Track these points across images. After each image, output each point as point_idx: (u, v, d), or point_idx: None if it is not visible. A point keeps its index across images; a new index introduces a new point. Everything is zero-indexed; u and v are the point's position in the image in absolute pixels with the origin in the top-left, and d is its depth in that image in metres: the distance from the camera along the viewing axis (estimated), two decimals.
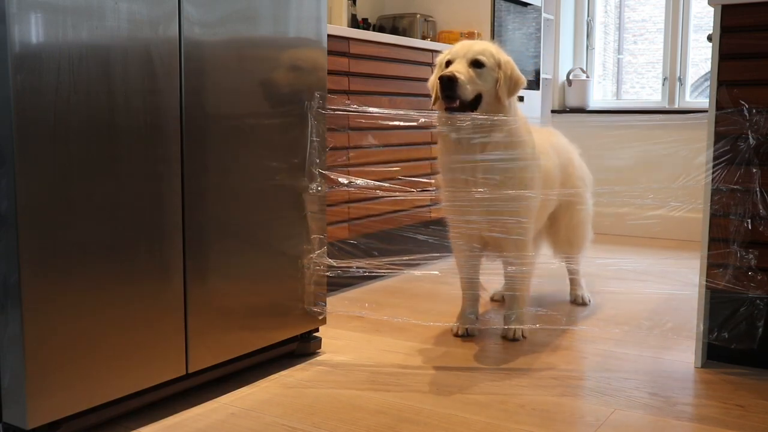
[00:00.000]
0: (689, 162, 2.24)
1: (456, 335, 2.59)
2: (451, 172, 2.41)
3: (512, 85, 2.41)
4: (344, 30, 3.26)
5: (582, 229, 2.92)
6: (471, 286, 2.61)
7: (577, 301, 3.02)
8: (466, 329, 2.59)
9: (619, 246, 3.07)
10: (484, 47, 2.38)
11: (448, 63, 2.40)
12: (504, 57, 2.41)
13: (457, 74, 2.29)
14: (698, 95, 4.96)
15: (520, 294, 2.53)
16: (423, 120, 2.46)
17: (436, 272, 2.51)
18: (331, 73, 2.69)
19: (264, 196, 2.16)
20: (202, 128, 1.95)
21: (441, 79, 2.29)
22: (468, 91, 2.31)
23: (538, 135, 2.61)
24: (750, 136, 2.12)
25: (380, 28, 4.55)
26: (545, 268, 3.07)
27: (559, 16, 5.16)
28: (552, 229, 2.86)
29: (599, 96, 5.38)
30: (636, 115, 4.90)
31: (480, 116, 2.31)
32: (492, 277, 2.75)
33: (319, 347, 2.45)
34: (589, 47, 5.35)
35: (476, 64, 2.35)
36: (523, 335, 2.54)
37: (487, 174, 2.35)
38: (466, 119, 2.30)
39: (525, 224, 2.42)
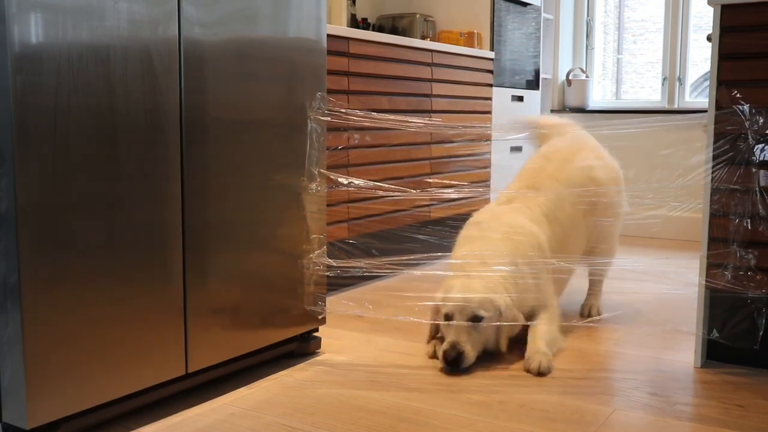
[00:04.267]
0: (689, 162, 2.24)
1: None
2: None
3: (514, 329, 2.35)
4: (344, 30, 3.26)
5: (608, 241, 2.81)
6: None
7: (591, 313, 2.83)
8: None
9: (619, 246, 3.08)
10: (481, 300, 2.27)
11: (447, 316, 2.28)
12: (503, 300, 2.30)
13: (462, 353, 2.22)
14: (698, 95, 4.96)
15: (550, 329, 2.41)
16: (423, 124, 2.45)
17: (450, 273, 2.45)
18: (330, 73, 2.69)
19: (264, 196, 2.16)
20: (202, 128, 1.95)
21: (446, 358, 2.23)
22: (471, 359, 2.25)
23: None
24: (749, 136, 2.12)
25: (380, 28, 4.55)
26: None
27: (559, 16, 5.16)
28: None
29: (599, 96, 5.38)
30: (636, 116, 4.90)
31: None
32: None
33: (319, 347, 2.45)
34: (589, 47, 5.35)
35: (475, 318, 2.26)
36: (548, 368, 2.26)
37: None
38: None
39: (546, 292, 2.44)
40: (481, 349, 2.30)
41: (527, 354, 2.30)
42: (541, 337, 2.35)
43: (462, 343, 2.25)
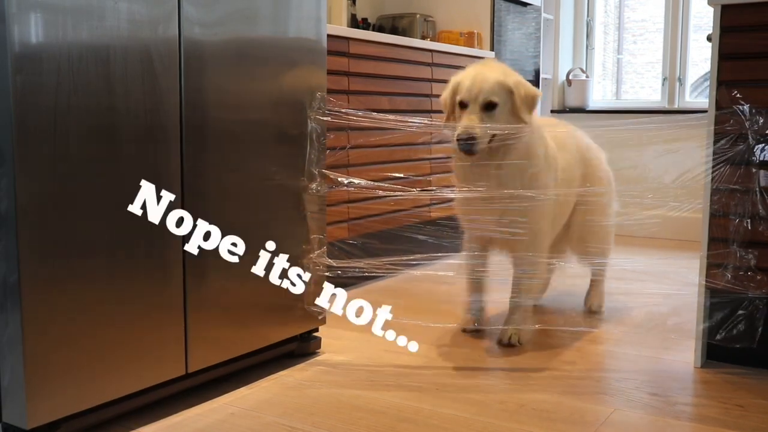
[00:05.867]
0: (689, 162, 2.23)
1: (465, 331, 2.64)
2: (466, 181, 2.43)
3: (530, 103, 2.39)
4: (344, 30, 3.26)
5: (600, 231, 2.82)
6: (476, 286, 2.61)
7: (592, 309, 2.92)
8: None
9: (619, 246, 3.08)
10: (493, 83, 2.33)
11: (462, 103, 2.37)
12: (513, 79, 2.38)
13: (474, 134, 2.29)
14: (698, 95, 4.96)
15: (523, 298, 2.49)
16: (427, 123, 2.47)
17: (450, 273, 2.49)
18: (330, 73, 2.69)
19: (264, 196, 2.16)
20: (202, 128, 1.95)
21: (459, 140, 2.30)
22: (485, 142, 2.32)
23: (559, 133, 2.61)
24: (750, 136, 2.12)
25: (380, 28, 4.55)
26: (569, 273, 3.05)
27: (559, 16, 5.16)
28: (567, 229, 2.79)
29: (599, 96, 5.38)
30: (636, 116, 4.90)
31: (496, 129, 2.33)
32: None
33: (319, 347, 2.45)
34: (589, 47, 5.35)
35: (489, 106, 2.33)
36: (519, 341, 2.48)
37: (500, 187, 2.36)
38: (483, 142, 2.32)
39: (538, 226, 2.43)
40: (492, 135, 2.34)
41: (502, 328, 2.51)
42: (517, 307, 2.50)
43: (475, 130, 2.29)
